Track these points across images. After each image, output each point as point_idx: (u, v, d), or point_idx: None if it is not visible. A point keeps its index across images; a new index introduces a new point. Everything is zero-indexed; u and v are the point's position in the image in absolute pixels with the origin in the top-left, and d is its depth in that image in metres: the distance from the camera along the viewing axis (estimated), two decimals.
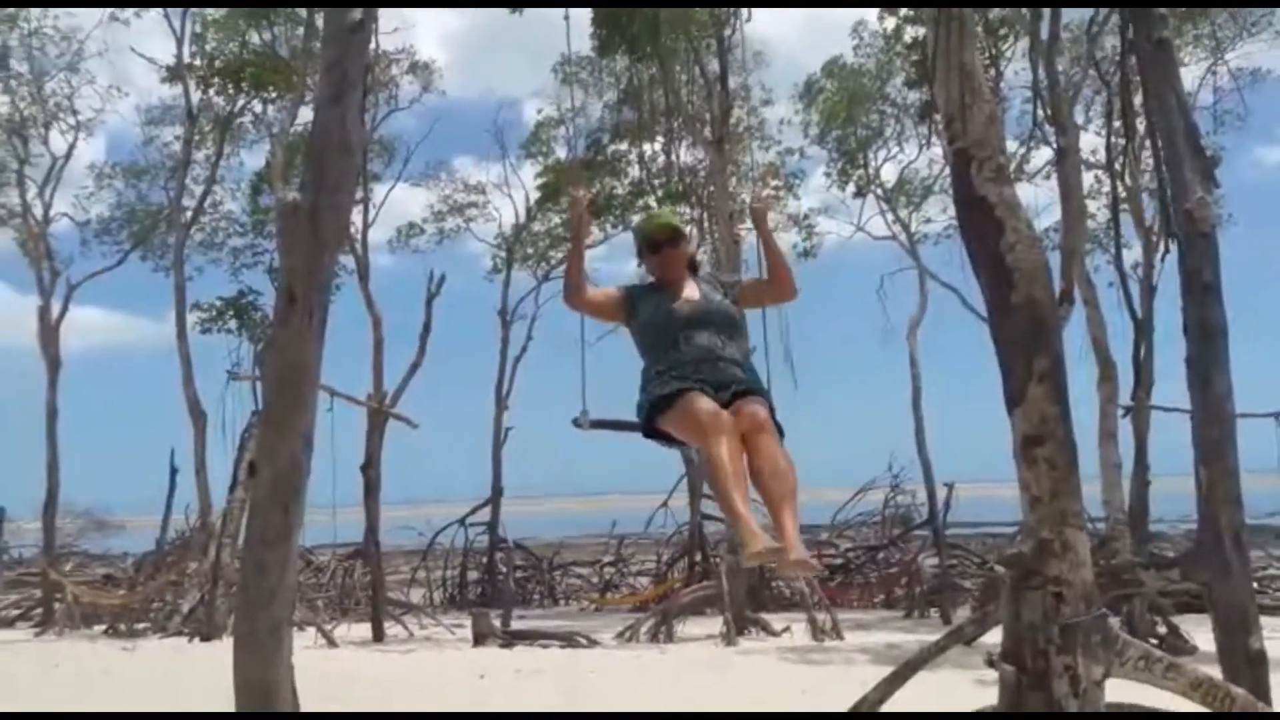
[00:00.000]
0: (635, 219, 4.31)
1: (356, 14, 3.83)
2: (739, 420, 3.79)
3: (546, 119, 23.25)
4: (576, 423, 4.20)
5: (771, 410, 3.97)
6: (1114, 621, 3.98)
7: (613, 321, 4.38)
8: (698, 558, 19.15)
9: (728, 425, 3.73)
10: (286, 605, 3.91)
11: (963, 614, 15.01)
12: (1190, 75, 17.62)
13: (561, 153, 23.07)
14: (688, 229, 4.70)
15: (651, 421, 4.00)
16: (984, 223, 4.01)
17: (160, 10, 20.06)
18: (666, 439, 4.07)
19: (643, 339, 4.16)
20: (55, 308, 20.64)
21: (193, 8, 20.00)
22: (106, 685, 10.66)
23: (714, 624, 14.03)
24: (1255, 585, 7.91)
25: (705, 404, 3.78)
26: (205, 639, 14.30)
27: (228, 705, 4.08)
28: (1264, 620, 5.46)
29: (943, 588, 16.53)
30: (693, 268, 4.32)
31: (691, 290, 4.18)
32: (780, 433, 3.93)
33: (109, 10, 20.13)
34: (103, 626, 16.27)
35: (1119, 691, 4.09)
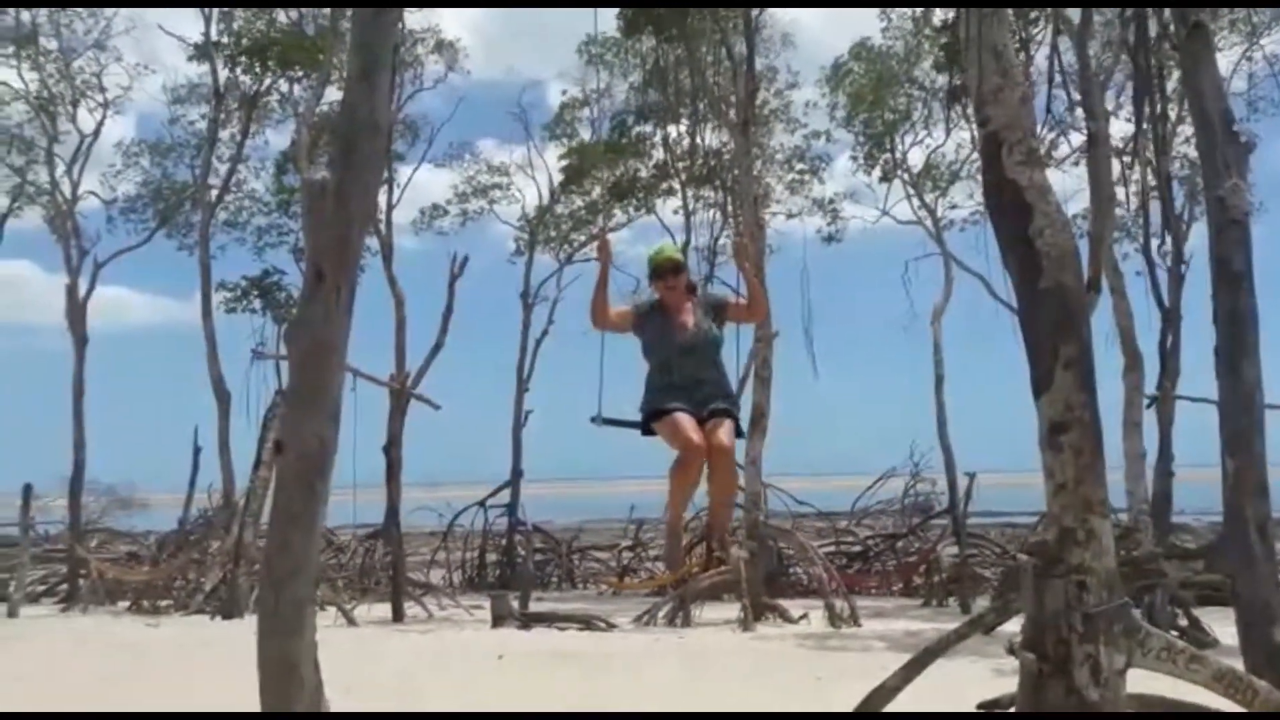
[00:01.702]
0: (649, 253, 5.66)
1: None
2: (710, 441, 5.07)
3: (571, 100, 23.21)
4: (593, 420, 5.42)
5: (736, 421, 5.31)
6: (1136, 612, 3.95)
7: (624, 332, 5.45)
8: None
9: (700, 452, 5.05)
10: (310, 583, 3.93)
11: (981, 603, 14.95)
12: (1225, 60, 17.37)
13: (585, 134, 23.03)
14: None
15: (648, 425, 5.28)
16: (1013, 206, 3.97)
17: None
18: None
19: (648, 354, 5.38)
20: (82, 286, 20.84)
21: (214, 7, 20.07)
22: (130, 661, 10.80)
23: (731, 610, 14.04)
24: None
25: (689, 430, 5.05)
26: (227, 617, 14.45)
27: (249, 683, 4.11)
28: None
29: (962, 577, 16.46)
30: (690, 289, 5.49)
31: (688, 316, 5.34)
32: (740, 434, 5.38)
33: None
34: (126, 603, 16.46)
35: (1140, 682, 4.06)
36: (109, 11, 21.02)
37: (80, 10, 20.76)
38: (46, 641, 12.54)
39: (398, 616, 14.93)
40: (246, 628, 4.34)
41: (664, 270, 5.39)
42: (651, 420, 5.25)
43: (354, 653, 10.64)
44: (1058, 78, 16.01)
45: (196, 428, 19.55)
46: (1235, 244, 5.51)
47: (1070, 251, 3.97)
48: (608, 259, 5.35)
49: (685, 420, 5.08)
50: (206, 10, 20.21)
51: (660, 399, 5.21)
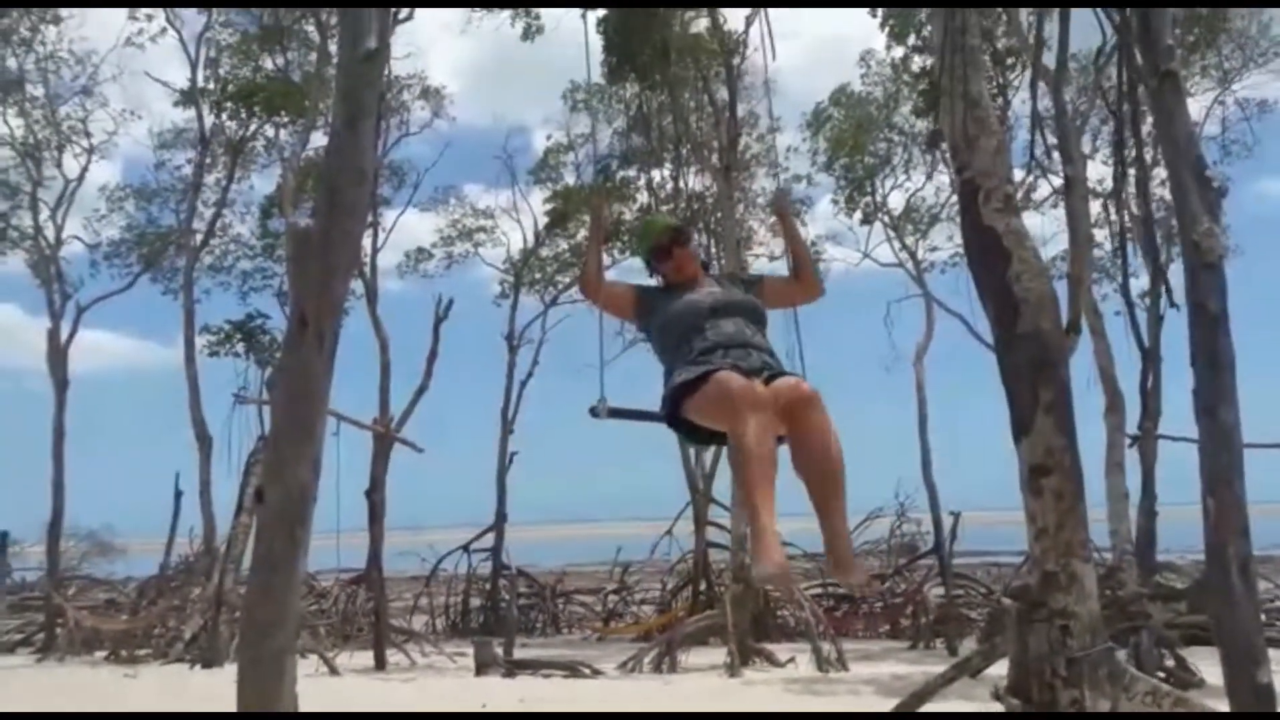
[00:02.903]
0: (639, 231, 4.42)
1: (371, 42, 3.88)
2: (777, 394, 3.42)
3: (556, 145, 23.42)
4: (594, 411, 3.93)
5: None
6: (1121, 654, 3.95)
7: (625, 318, 4.26)
8: (702, 586, 19.07)
9: (765, 400, 3.36)
10: (291, 632, 3.90)
11: (969, 644, 14.89)
12: (1197, 105, 17.71)
13: (570, 179, 23.22)
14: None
15: (677, 410, 3.64)
16: (991, 252, 4.03)
17: (175, 36, 20.31)
18: (692, 431, 3.75)
19: (664, 339, 3.89)
20: (64, 330, 20.75)
21: (217, 8, 20.20)
22: (107, 712, 10.61)
23: (718, 654, 13.93)
24: (1263, 618, 7.83)
25: (737, 379, 3.41)
26: (207, 666, 14.22)
27: None
28: (1272, 654, 5.40)
29: (948, 618, 16.41)
30: (704, 267, 4.23)
31: (711, 285, 4.02)
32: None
33: (125, 34, 20.42)
34: (104, 652, 16.18)
35: None
36: (96, 58, 21.16)
37: (68, 57, 20.89)
38: (21, 692, 12.31)
39: (380, 664, 14.74)
40: (227, 677, 4.27)
41: (665, 243, 4.07)
42: (680, 404, 3.63)
43: (335, 703, 10.48)
44: (1033, 121, 16.24)
45: (178, 473, 19.40)
46: (1211, 287, 5.57)
47: (1048, 297, 4.03)
48: (602, 217, 4.45)
49: (732, 374, 3.46)
50: (193, 56, 20.35)
51: (690, 369, 3.61)
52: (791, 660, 13.90)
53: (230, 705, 4.08)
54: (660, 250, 4.06)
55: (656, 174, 22.52)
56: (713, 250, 21.92)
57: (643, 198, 22.92)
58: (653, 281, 4.18)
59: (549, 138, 23.68)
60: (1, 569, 16.87)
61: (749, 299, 3.92)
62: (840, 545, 3.50)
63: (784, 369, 3.66)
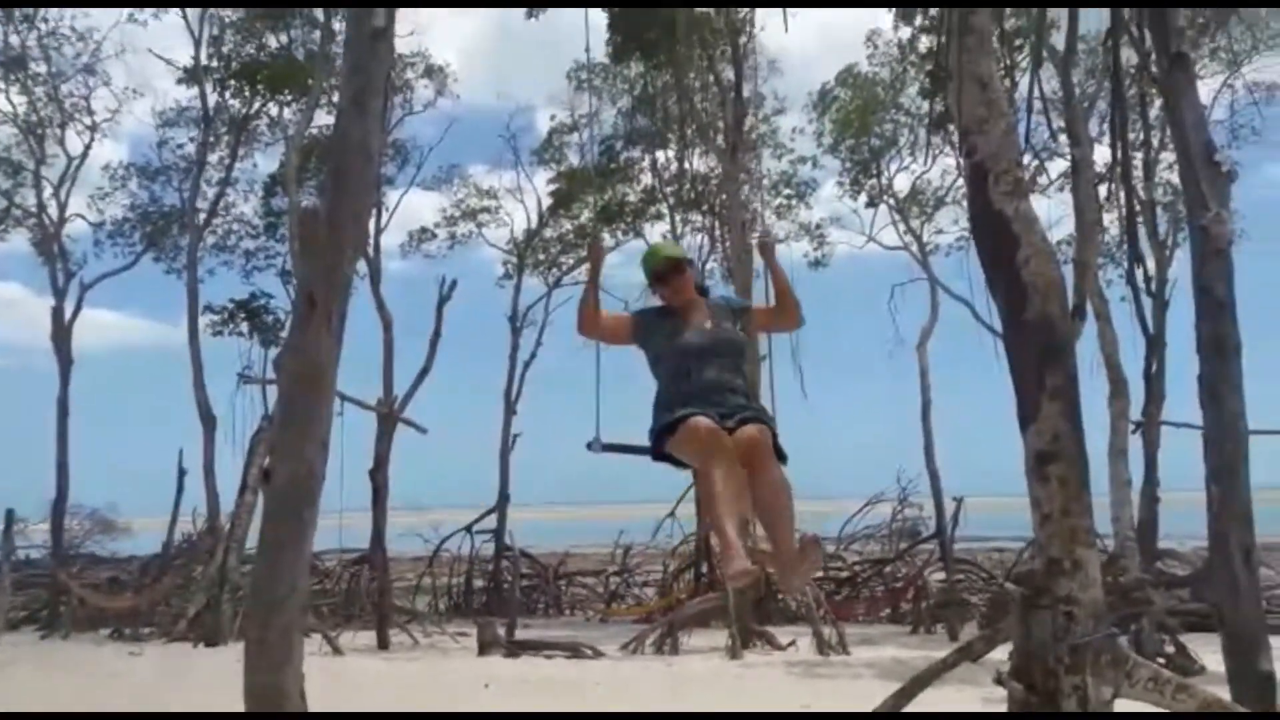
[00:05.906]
0: (641, 255, 4.77)
1: (379, 20, 3.85)
2: (738, 442, 4.04)
3: (560, 125, 23.32)
4: (590, 446, 4.42)
5: (775, 435, 4.21)
6: (1123, 641, 3.96)
7: (621, 344, 4.59)
8: (704, 569, 19.11)
9: (727, 445, 3.99)
10: (298, 612, 3.91)
11: (969, 629, 14.93)
12: (1206, 89, 17.58)
13: (574, 159, 23.13)
14: (698, 240, 5.31)
15: (660, 446, 4.24)
16: (999, 237, 4.00)
17: (179, 12, 20.20)
18: (676, 462, 4.30)
19: (656, 368, 4.45)
20: (68, 308, 20.75)
21: (217, 8, 20.12)
22: (112, 689, 10.67)
23: (719, 637, 13.98)
24: (1265, 605, 7.83)
25: (706, 424, 4.02)
26: (210, 644, 14.30)
27: (234, 710, 4.08)
28: (1274, 641, 5.41)
29: (949, 602, 16.45)
30: (701, 291, 4.62)
31: (701, 317, 4.45)
32: (783, 457, 4.19)
33: (126, 11, 20.30)
34: (108, 630, 16.26)
35: (1125, 708, 4.06)
36: (98, 35, 21.07)
37: (70, 34, 20.80)
38: (25, 669, 12.38)
39: (383, 644, 14.81)
40: (231, 655, 4.30)
41: (665, 272, 4.52)
42: (663, 441, 4.21)
43: (339, 682, 10.54)
44: (1040, 104, 16.11)
45: (181, 451, 19.41)
46: (1218, 273, 5.56)
47: (1056, 282, 4.00)
48: (599, 259, 4.72)
49: (704, 420, 4.04)
50: (197, 33, 20.26)
51: (673, 412, 4.17)
52: (793, 643, 13.95)
53: (233, 682, 4.10)
54: (661, 277, 4.52)
55: (661, 155, 22.46)
56: (717, 233, 21.89)
57: (647, 179, 22.86)
58: (654, 300, 4.66)
59: (553, 118, 23.59)
60: (6, 546, 16.91)
61: (731, 336, 4.43)
62: (785, 558, 4.09)
63: (756, 410, 4.28)
